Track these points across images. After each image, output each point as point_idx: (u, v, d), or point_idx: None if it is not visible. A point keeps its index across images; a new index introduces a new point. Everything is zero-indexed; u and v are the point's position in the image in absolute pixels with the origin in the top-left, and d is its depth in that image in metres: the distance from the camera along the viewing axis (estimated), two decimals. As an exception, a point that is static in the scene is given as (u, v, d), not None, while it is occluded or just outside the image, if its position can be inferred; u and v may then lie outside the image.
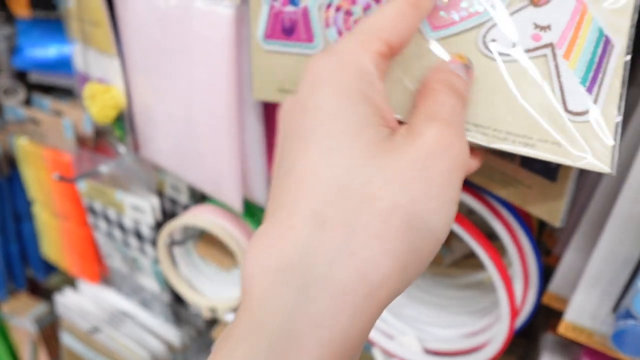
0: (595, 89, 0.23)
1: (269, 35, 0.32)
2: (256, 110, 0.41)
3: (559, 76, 0.24)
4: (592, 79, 0.23)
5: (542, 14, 0.24)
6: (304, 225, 0.16)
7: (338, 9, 0.30)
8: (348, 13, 0.30)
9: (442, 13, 0.25)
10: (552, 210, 0.33)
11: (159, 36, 0.43)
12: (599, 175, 0.35)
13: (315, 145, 0.17)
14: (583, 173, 0.38)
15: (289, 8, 0.31)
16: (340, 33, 0.31)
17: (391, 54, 0.20)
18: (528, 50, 0.24)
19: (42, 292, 0.85)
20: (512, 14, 0.24)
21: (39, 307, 0.81)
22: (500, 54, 0.24)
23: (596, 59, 0.23)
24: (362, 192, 0.16)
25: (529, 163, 0.33)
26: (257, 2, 0.32)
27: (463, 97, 0.21)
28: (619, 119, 0.23)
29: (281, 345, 0.15)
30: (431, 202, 0.17)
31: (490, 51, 0.24)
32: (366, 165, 0.17)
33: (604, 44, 0.23)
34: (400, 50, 0.21)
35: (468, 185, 0.40)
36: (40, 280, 0.82)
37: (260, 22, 0.32)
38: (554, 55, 0.24)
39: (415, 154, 0.17)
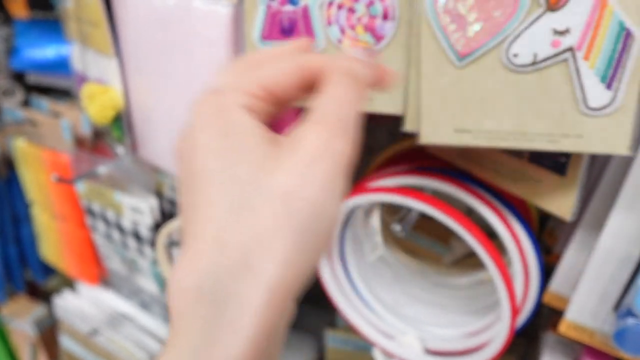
0: (615, 84, 0.25)
1: (266, 36, 0.32)
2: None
3: (579, 77, 0.26)
4: (612, 75, 0.25)
5: (560, 18, 0.25)
6: (209, 250, 0.19)
7: (340, 6, 0.30)
8: (351, 10, 0.30)
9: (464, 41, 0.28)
10: (562, 204, 0.33)
11: (158, 36, 0.42)
12: (599, 174, 0.35)
13: (209, 181, 0.20)
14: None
15: (288, 7, 0.31)
16: (342, 31, 0.31)
17: (272, 98, 0.22)
18: (548, 58, 0.26)
19: (41, 295, 0.85)
20: (530, 24, 0.26)
21: (38, 310, 0.81)
22: (523, 66, 0.27)
23: (616, 56, 0.25)
24: (252, 213, 0.19)
25: (537, 158, 0.33)
26: (252, 2, 0.31)
27: (361, 83, 0.22)
28: (637, 108, 0.26)
29: (206, 344, 0.19)
30: (313, 200, 0.19)
31: (515, 65, 0.27)
32: (253, 190, 0.20)
33: (625, 38, 0.24)
34: (287, 98, 0.23)
35: (468, 183, 0.40)
36: (39, 283, 0.82)
37: (257, 23, 0.32)
38: (574, 58, 0.26)
39: (296, 162, 0.20)
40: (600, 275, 0.34)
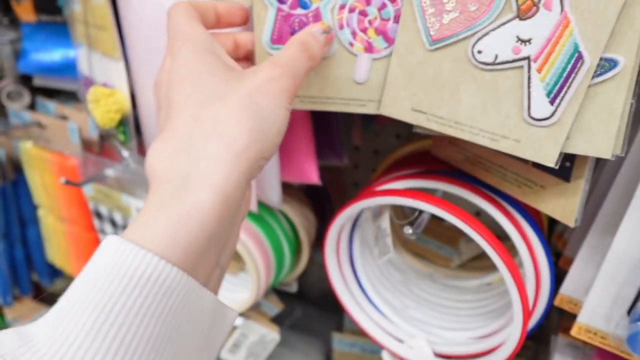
0: (557, 100, 0.27)
1: (276, 40, 0.32)
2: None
3: (529, 86, 0.27)
4: (557, 92, 0.27)
5: (526, 27, 0.27)
6: (185, 123, 0.24)
7: (352, 9, 0.30)
8: (363, 13, 0.30)
9: (438, 26, 0.29)
10: (566, 210, 0.32)
11: (164, 39, 0.42)
12: (611, 178, 0.35)
13: (186, 83, 0.26)
14: (595, 175, 0.38)
15: (299, 11, 0.31)
16: (354, 34, 0.31)
17: (215, 23, 0.31)
18: (507, 62, 0.28)
19: (47, 298, 0.84)
20: (498, 26, 0.27)
21: (43, 312, 0.80)
22: (484, 63, 0.28)
23: (564, 74, 0.26)
24: (222, 101, 0.25)
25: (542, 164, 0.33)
26: (261, 6, 0.31)
27: (310, 53, 0.29)
28: (572, 126, 0.27)
29: (180, 191, 0.23)
30: (268, 104, 0.26)
31: (477, 61, 0.28)
32: (223, 89, 0.26)
33: (576, 60, 0.26)
34: (225, 19, 0.32)
35: (477, 186, 0.39)
36: (45, 286, 0.82)
37: (266, 27, 0.32)
38: (529, 67, 0.27)
39: (255, 81, 0.26)
40: (613, 279, 0.34)
